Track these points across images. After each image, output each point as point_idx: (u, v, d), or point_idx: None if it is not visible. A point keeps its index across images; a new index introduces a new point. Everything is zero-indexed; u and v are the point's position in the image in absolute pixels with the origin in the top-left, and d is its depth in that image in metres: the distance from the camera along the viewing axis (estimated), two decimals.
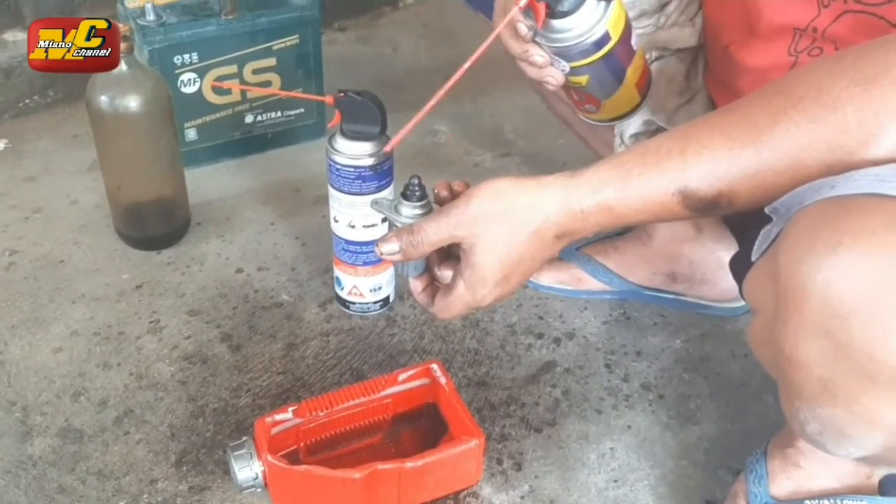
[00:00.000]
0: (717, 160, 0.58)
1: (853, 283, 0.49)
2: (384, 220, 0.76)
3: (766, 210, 0.59)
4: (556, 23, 0.72)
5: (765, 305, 0.59)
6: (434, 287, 0.73)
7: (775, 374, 0.61)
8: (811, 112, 0.54)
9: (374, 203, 0.75)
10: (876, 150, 0.53)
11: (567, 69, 0.76)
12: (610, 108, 0.83)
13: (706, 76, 0.86)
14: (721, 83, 0.83)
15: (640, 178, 0.60)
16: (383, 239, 0.69)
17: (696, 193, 0.59)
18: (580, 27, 0.72)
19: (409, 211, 0.73)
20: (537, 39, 0.75)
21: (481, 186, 0.65)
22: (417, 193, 0.73)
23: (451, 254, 0.71)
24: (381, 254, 0.69)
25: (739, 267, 0.69)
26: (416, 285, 0.74)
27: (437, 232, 0.66)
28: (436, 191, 0.73)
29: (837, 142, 0.54)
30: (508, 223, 0.63)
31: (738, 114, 0.58)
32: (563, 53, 0.74)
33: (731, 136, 0.57)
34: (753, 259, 0.62)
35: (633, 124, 0.93)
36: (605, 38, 0.73)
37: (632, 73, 0.79)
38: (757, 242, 0.61)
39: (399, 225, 0.72)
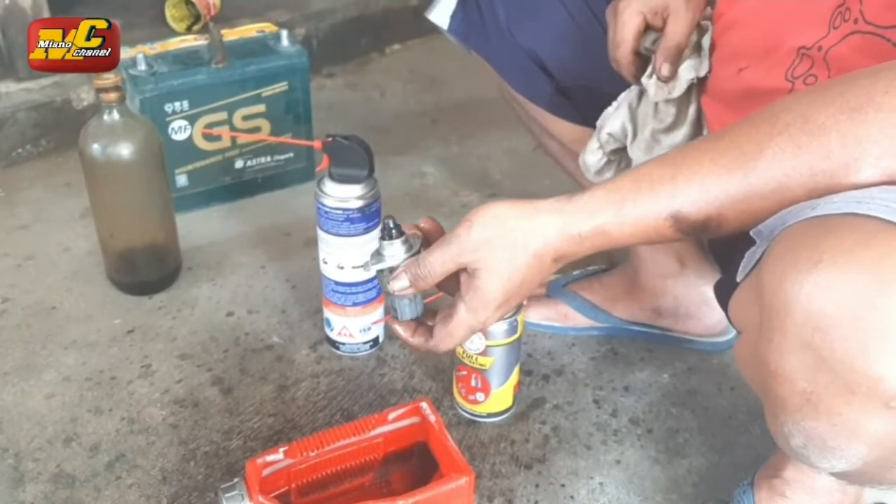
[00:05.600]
0: (706, 186, 0.59)
1: (833, 299, 0.51)
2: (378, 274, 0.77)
3: (752, 233, 0.61)
4: None
5: (750, 324, 0.60)
6: (424, 327, 0.75)
7: (760, 391, 0.62)
8: (797, 139, 0.56)
9: (368, 265, 0.76)
10: (857, 174, 0.55)
11: (482, 348, 0.91)
12: (493, 401, 0.96)
13: (703, 100, 0.87)
14: (724, 104, 0.84)
15: (634, 204, 0.62)
16: (393, 277, 0.71)
17: (688, 218, 0.61)
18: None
19: (392, 250, 0.73)
20: None
21: (480, 212, 0.66)
22: (395, 230, 0.73)
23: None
24: (394, 291, 0.71)
25: (723, 291, 0.70)
26: (407, 331, 0.75)
27: (442, 262, 0.67)
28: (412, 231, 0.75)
29: (820, 166, 0.56)
30: (510, 248, 0.65)
31: (726, 141, 0.60)
32: (490, 328, 0.89)
33: (720, 163, 0.59)
34: (739, 280, 0.63)
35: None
36: (516, 327, 0.91)
37: (516, 373, 0.95)
38: (742, 264, 0.62)
39: (390, 267, 0.73)
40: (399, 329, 0.75)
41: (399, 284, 0.70)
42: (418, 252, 0.72)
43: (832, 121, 0.55)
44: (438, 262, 0.67)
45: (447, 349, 0.72)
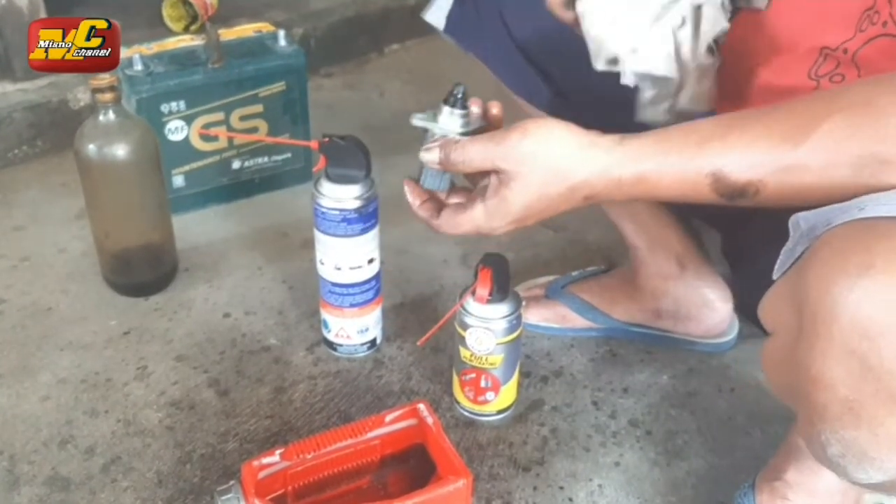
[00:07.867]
0: (754, 150, 0.60)
1: (884, 305, 0.49)
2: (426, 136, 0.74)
3: (790, 222, 0.60)
4: (497, 303, 0.90)
5: (786, 326, 0.59)
6: (433, 202, 0.74)
7: (793, 396, 0.60)
8: (855, 118, 0.56)
9: (415, 117, 0.74)
10: None
11: (491, 348, 0.91)
12: (502, 398, 0.96)
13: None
14: (738, 104, 0.84)
15: (680, 156, 0.62)
16: (426, 147, 0.70)
17: (728, 178, 0.61)
18: (511, 307, 0.90)
19: (448, 119, 0.72)
20: (467, 320, 0.91)
21: (538, 124, 0.66)
22: (461, 101, 0.72)
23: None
24: (422, 159, 0.70)
25: (743, 290, 0.69)
26: (417, 198, 0.74)
27: (483, 157, 0.66)
28: (473, 107, 0.74)
29: (873, 149, 0.56)
30: (551, 172, 0.65)
31: (782, 111, 0.60)
32: (496, 327, 0.90)
33: (773, 129, 0.60)
34: (775, 277, 0.62)
35: None
36: (521, 322, 0.92)
37: (518, 370, 0.96)
38: (779, 261, 0.61)
39: (437, 133, 0.72)
40: (410, 193, 0.74)
41: (430, 156, 0.70)
42: (469, 134, 0.71)
43: (893, 107, 0.55)
44: (479, 157, 0.67)
45: (447, 233, 0.72)
